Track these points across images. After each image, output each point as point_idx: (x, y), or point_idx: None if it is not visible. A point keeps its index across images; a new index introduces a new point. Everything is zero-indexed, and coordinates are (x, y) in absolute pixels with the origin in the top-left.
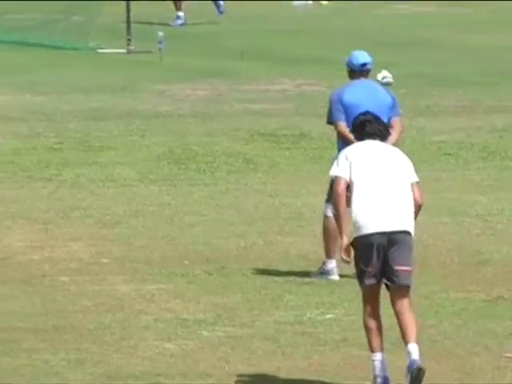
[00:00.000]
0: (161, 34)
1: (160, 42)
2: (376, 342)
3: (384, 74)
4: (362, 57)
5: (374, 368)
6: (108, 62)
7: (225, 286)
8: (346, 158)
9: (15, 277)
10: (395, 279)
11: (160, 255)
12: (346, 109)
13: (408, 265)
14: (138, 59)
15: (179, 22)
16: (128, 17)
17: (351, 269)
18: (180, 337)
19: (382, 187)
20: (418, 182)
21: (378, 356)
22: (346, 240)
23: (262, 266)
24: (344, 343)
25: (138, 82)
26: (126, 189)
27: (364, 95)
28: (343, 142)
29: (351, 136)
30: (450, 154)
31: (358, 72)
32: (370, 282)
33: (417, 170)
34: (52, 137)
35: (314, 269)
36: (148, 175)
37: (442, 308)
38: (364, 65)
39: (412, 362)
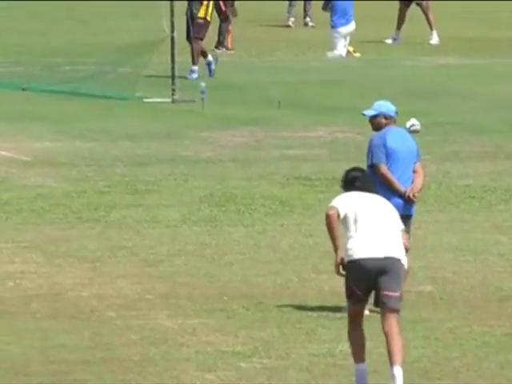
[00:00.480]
0: (203, 84)
1: (202, 92)
2: (359, 353)
3: (412, 122)
4: (393, 105)
5: (356, 376)
6: (153, 111)
7: (262, 320)
8: (347, 197)
9: (65, 312)
10: (385, 303)
11: (201, 292)
12: (387, 153)
13: (396, 290)
14: (181, 108)
15: (193, 75)
16: (173, 68)
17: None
18: (219, 368)
19: (376, 221)
20: (403, 230)
21: (360, 366)
22: (340, 257)
23: (296, 301)
24: (374, 374)
25: (182, 129)
26: (170, 229)
27: (401, 142)
28: (381, 184)
29: (393, 177)
30: (474, 197)
31: (392, 120)
32: (359, 305)
33: (443, 212)
34: (100, 181)
35: (345, 304)
36: (190, 217)
37: (465, 341)
38: (397, 113)
39: None
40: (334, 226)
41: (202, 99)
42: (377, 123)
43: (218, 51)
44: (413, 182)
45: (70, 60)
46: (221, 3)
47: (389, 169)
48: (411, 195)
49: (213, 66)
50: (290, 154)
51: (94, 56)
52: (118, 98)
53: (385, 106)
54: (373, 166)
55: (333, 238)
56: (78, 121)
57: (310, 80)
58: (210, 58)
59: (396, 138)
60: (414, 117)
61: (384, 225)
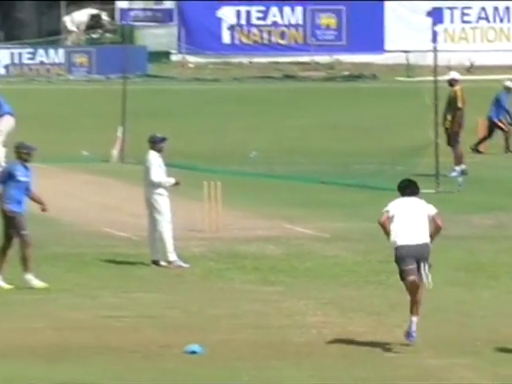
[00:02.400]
0: (460, 179)
1: (459, 185)
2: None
3: None
4: None
5: (410, 324)
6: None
7: (506, 360)
8: (393, 204)
9: (357, 352)
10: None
11: (459, 338)
12: None
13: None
14: (443, 197)
15: (454, 174)
16: (437, 168)
17: None
18: None
19: (410, 218)
20: (437, 213)
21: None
22: None
23: None
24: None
25: (443, 213)
26: (433, 291)
27: None
28: None
29: None
30: None
31: None
32: (412, 279)
33: None
34: (381, 253)
35: None
36: (449, 280)
37: None
38: None
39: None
40: (386, 227)
41: (459, 191)
42: None
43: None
44: None
45: (358, 160)
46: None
47: None
48: None
49: (459, 178)
50: None
51: (376, 157)
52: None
53: None
54: None
55: (386, 233)
56: (364, 207)
57: None
58: (459, 168)
59: None
60: None
61: (415, 220)
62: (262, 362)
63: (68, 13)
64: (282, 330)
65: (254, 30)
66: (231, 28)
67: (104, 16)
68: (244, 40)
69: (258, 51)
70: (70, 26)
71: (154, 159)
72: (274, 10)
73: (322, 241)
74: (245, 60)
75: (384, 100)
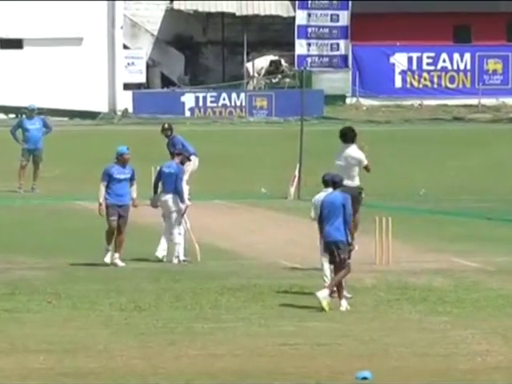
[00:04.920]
0: None
1: None
2: None
3: None
4: None
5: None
6: None
7: None
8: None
9: None
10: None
11: None
12: None
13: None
14: None
15: None
16: None
17: None
18: None
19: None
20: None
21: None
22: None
23: None
24: None
25: None
26: None
27: None
28: None
29: None
30: None
31: None
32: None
33: None
34: None
35: None
36: None
37: None
38: None
39: None
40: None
41: None
42: None
43: None
44: None
45: None
46: None
47: None
48: None
49: None
50: None
51: None
52: None
53: None
54: None
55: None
56: None
57: None
58: None
59: None
60: None
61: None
62: None
63: (249, 59)
64: (447, 358)
65: (425, 75)
66: (403, 73)
67: (283, 62)
68: (415, 84)
69: (428, 94)
70: (252, 72)
71: None
72: (444, 55)
73: (487, 273)
74: (415, 103)
75: None
